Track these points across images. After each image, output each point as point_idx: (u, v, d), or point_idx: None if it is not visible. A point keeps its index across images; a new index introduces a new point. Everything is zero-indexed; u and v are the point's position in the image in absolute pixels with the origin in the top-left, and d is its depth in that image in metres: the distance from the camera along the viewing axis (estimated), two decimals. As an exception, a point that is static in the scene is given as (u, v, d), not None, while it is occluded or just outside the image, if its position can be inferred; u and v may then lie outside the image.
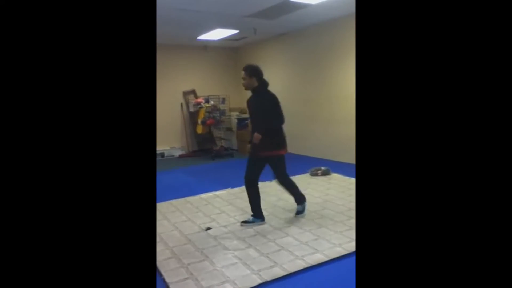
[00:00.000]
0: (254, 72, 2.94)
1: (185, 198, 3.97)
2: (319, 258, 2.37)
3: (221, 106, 7.11)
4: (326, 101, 5.89)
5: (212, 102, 6.89)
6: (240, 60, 7.90)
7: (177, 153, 7.26)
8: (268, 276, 2.16)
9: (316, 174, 4.75)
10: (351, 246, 2.52)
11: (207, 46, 7.38)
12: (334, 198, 3.73)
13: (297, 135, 6.70)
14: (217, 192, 4.16)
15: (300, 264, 2.29)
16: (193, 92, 7.22)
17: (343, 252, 2.44)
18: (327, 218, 3.13)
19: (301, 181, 4.56)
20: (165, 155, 7.13)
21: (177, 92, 7.30)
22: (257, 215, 3.09)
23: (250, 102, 3.06)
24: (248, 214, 3.32)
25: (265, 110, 2.91)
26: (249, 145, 3.01)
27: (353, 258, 2.38)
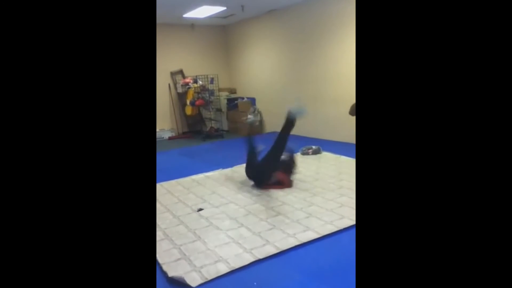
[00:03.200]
0: None
1: (176, 180, 3.95)
2: (311, 235, 2.40)
3: (210, 86, 7.00)
4: (316, 80, 5.84)
5: (200, 82, 6.77)
6: (228, 38, 7.73)
7: (167, 135, 7.18)
8: (260, 254, 2.18)
9: (307, 153, 4.76)
10: (343, 223, 2.55)
11: (194, 25, 7.19)
12: (325, 176, 3.75)
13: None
14: (208, 173, 4.14)
15: (292, 242, 2.32)
16: (180, 72, 7.08)
17: (334, 229, 2.47)
18: (318, 196, 3.15)
19: (292, 160, 4.58)
20: (155, 137, 7.07)
21: (164, 72, 7.14)
22: None
23: None
24: (240, 194, 3.32)
25: None
26: None
27: (345, 235, 2.41)
